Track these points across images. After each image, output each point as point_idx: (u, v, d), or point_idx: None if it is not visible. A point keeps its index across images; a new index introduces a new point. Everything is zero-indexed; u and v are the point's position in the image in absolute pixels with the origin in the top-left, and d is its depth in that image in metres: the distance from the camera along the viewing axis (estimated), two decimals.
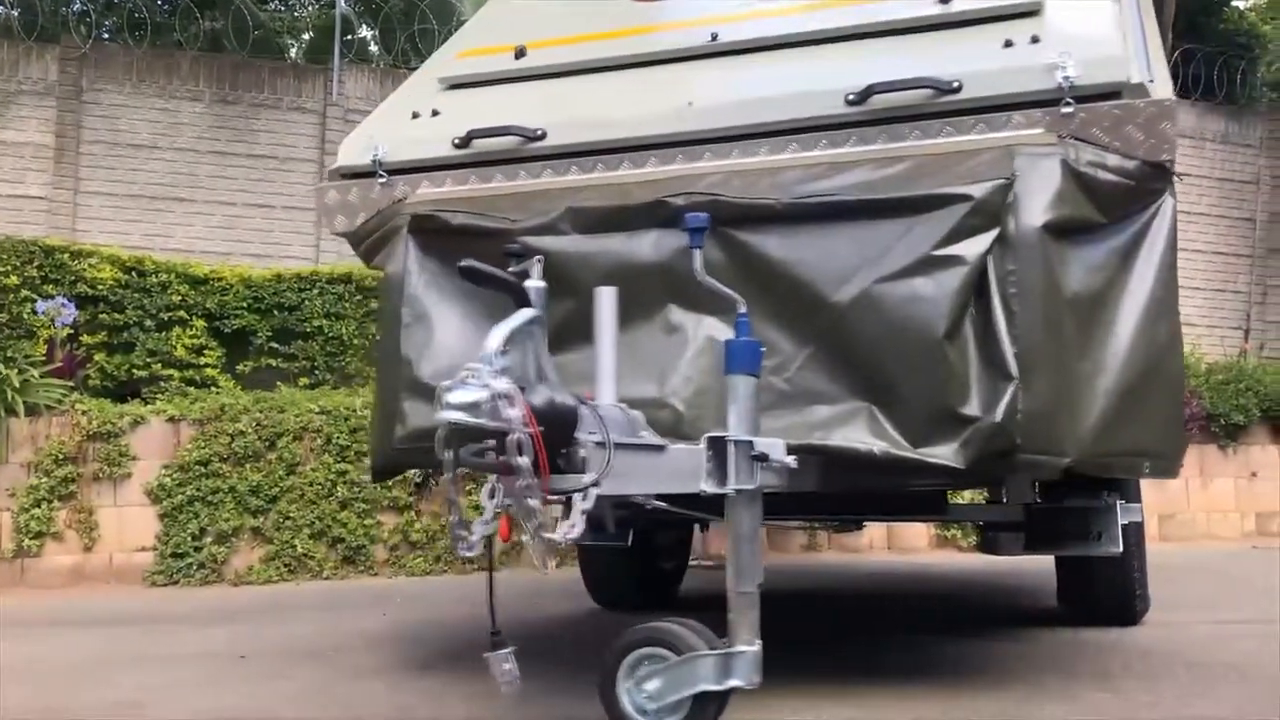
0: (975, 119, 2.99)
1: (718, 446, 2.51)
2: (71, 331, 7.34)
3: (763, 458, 2.48)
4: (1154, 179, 3.03)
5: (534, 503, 2.46)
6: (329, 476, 6.74)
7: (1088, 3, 3.19)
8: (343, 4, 11.30)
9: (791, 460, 2.51)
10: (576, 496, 2.52)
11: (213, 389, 7.56)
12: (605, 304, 2.75)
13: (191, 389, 7.51)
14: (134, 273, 7.75)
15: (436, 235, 3.23)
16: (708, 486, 2.50)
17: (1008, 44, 3.05)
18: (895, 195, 2.84)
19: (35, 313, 7.17)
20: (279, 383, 7.81)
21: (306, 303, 8.13)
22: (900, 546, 7.67)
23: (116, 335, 7.63)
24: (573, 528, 2.51)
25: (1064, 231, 2.88)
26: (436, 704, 3.18)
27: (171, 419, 6.70)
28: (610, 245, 3.05)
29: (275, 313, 8.06)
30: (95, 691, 3.46)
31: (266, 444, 6.73)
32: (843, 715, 2.93)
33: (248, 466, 6.67)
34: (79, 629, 4.91)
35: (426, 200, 3.37)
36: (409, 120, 3.56)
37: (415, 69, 11.10)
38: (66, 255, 7.60)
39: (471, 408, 2.36)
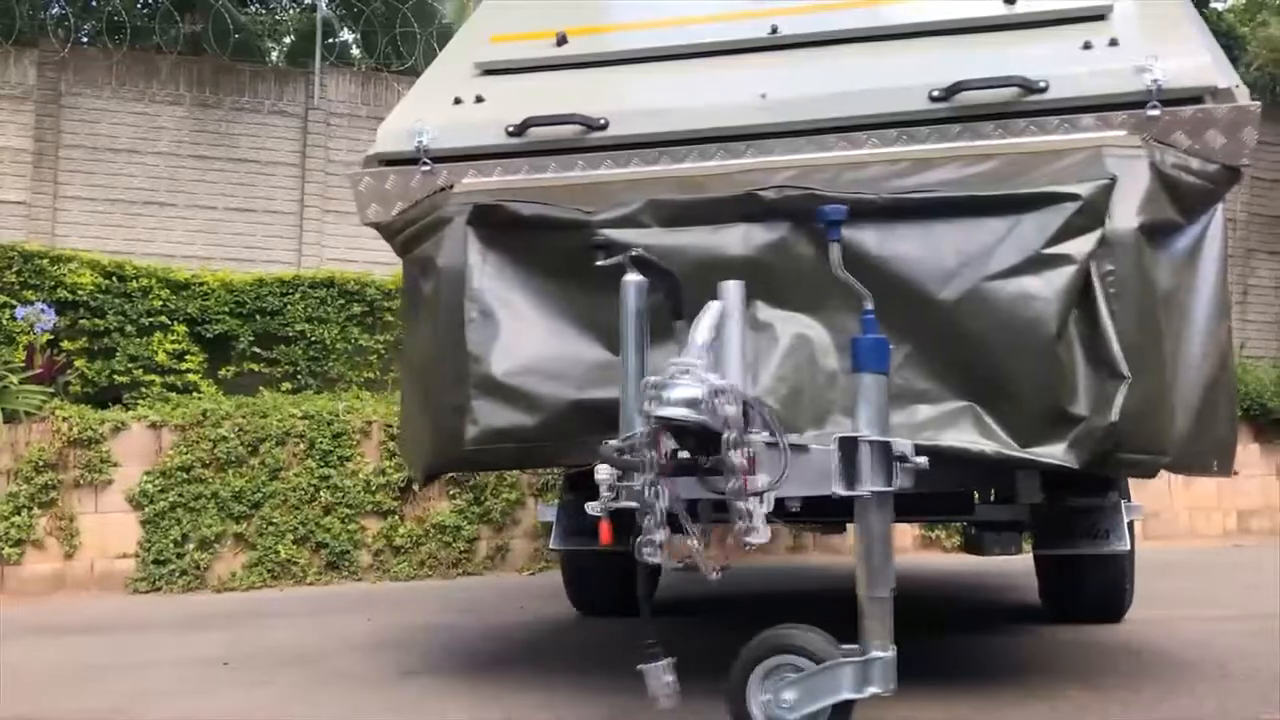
0: (1059, 119, 3.00)
1: (849, 447, 2.43)
2: (51, 337, 7.29)
3: (903, 458, 2.40)
4: (1227, 182, 3.05)
5: (746, 505, 2.37)
6: (312, 482, 6.72)
7: (1156, 8, 3.23)
8: (324, 7, 11.27)
9: (924, 461, 2.44)
10: (754, 500, 2.43)
11: (194, 394, 7.52)
12: (733, 298, 2.64)
13: (173, 394, 7.47)
14: (114, 278, 7.71)
15: (501, 226, 3.08)
16: (839, 488, 2.43)
17: (1087, 46, 3.07)
18: (1001, 193, 2.81)
19: (14, 318, 7.12)
20: (261, 388, 7.78)
21: (288, 307, 8.09)
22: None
23: (97, 341, 7.59)
24: (755, 532, 2.42)
25: (1152, 232, 2.88)
26: (421, 709, 3.16)
27: (153, 425, 6.66)
28: (695, 239, 2.94)
29: (257, 317, 8.03)
30: (76, 699, 3.43)
31: (249, 449, 6.69)
32: None
33: (230, 472, 6.64)
34: (60, 636, 4.88)
35: (482, 190, 3.22)
36: (451, 106, 3.42)
37: (397, 72, 11.00)
38: (46, 261, 7.55)
39: (692, 404, 2.28)
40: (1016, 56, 3.10)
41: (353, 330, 8.25)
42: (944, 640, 4.22)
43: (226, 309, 7.95)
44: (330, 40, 11.25)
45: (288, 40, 12.47)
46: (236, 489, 6.60)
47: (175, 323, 7.79)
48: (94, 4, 12.08)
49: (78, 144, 9.87)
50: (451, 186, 3.29)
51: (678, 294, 2.65)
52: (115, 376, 7.54)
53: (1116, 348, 2.69)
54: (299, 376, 8.08)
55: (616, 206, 2.99)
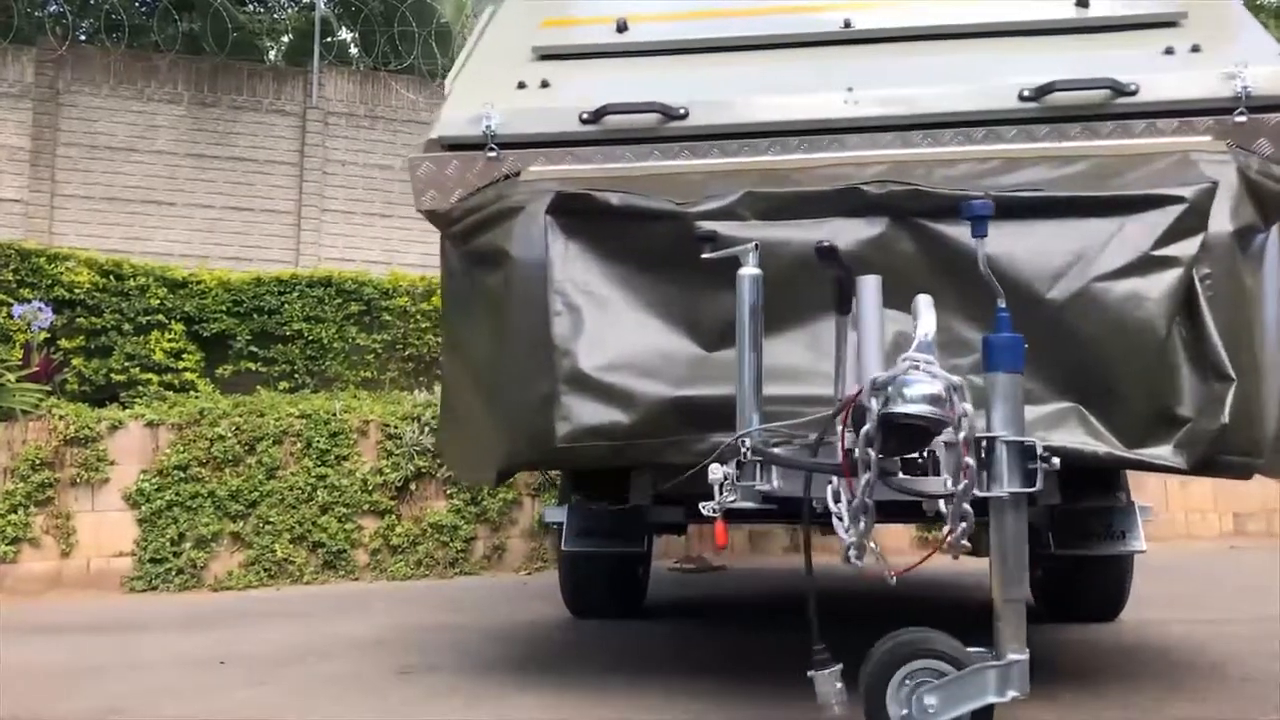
0: (1144, 123, 3.02)
1: (985, 447, 2.37)
2: (48, 335, 7.29)
3: (1047, 458, 2.35)
4: None
5: (962, 507, 2.31)
6: (309, 481, 6.71)
7: (1226, 15, 3.27)
8: (322, 6, 11.26)
9: (1056, 462, 2.40)
10: (943, 501, 2.38)
11: (191, 393, 7.52)
12: (870, 293, 2.58)
13: (170, 393, 7.48)
14: (112, 276, 7.71)
15: (584, 216, 2.97)
16: (977, 489, 2.38)
17: (1169, 51, 3.09)
18: (1109, 194, 2.81)
19: (11, 317, 7.11)
20: (258, 386, 7.78)
21: (286, 306, 8.09)
22: (881, 548, 7.67)
23: (94, 339, 7.58)
24: (952, 533, 2.37)
25: (1241, 236, 2.89)
26: (417, 709, 3.16)
27: (150, 423, 6.66)
28: (794, 233, 2.86)
29: (254, 316, 8.03)
30: (72, 699, 3.43)
31: (246, 448, 6.69)
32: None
33: (227, 471, 6.63)
34: (56, 635, 4.87)
35: (552, 178, 3.12)
36: (515, 90, 3.31)
37: (395, 71, 10.98)
38: (43, 259, 7.54)
39: (935, 401, 2.20)
40: (1100, 59, 3.11)
41: (350, 329, 8.25)
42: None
43: (224, 308, 7.95)
44: (328, 39, 11.25)
45: (286, 39, 12.46)
46: (233, 488, 6.59)
47: (172, 321, 7.79)
48: (92, 2, 12.07)
49: (75, 142, 9.87)
50: (518, 174, 3.18)
51: (849, 288, 2.55)
52: (112, 375, 7.54)
53: (1221, 350, 2.69)
54: (296, 375, 8.08)
55: (713, 198, 2.91)
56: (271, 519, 6.62)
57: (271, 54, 12.12)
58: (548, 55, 3.46)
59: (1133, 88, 3.00)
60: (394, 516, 6.84)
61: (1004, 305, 2.44)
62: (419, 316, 8.40)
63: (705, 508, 2.53)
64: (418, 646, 4.24)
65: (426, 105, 10.91)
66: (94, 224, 9.77)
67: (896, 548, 7.68)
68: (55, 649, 4.50)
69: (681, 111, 3.16)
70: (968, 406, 2.23)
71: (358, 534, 6.76)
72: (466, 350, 3.34)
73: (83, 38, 11.68)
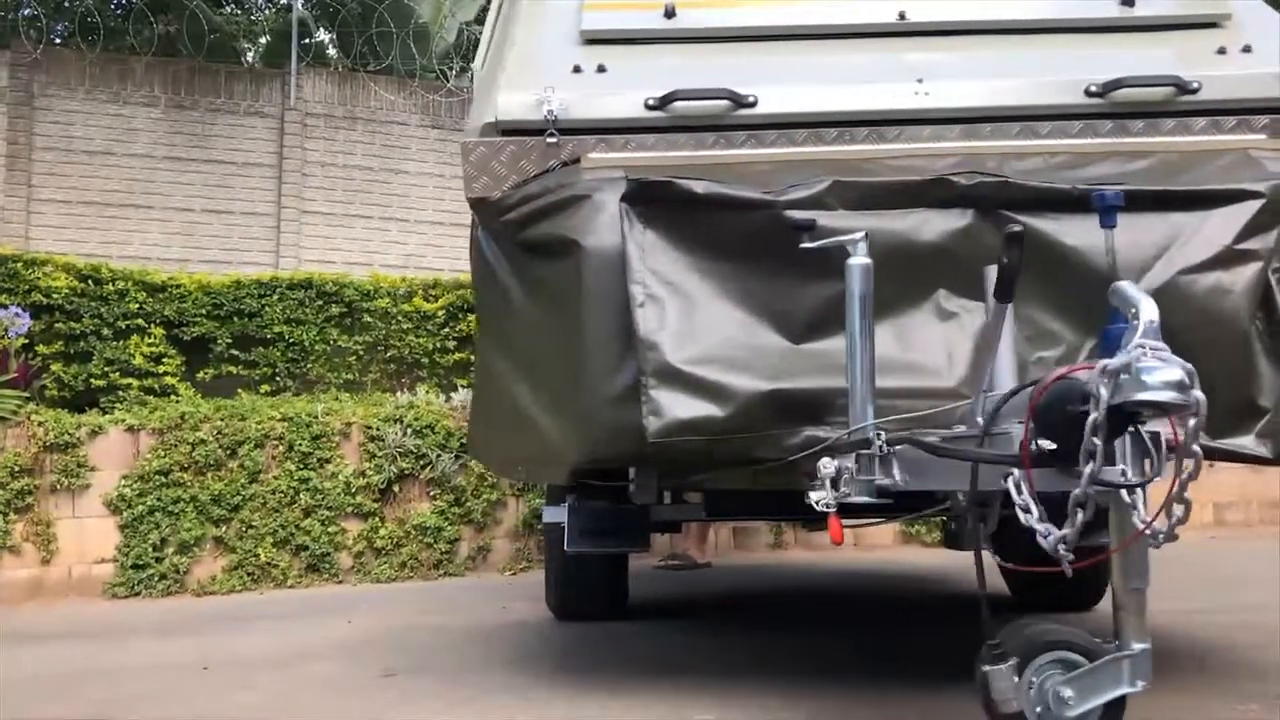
0: (1205, 120, 3.08)
1: None
2: (26, 341, 7.24)
3: (1172, 448, 2.27)
4: None
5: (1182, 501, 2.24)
6: (292, 484, 6.69)
7: (1268, 18, 3.31)
8: (299, 7, 11.22)
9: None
10: (1138, 495, 2.31)
11: (172, 397, 7.49)
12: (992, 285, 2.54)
13: (151, 398, 7.44)
14: (90, 281, 7.66)
15: (664, 205, 2.88)
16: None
17: (1221, 51, 3.16)
18: (1190, 188, 2.85)
19: None
20: (240, 390, 7.75)
21: (266, 309, 8.06)
22: (865, 544, 7.71)
23: (73, 344, 7.54)
24: (1178, 522, 2.27)
25: None
26: (402, 712, 3.15)
27: (130, 428, 6.62)
28: (881, 223, 2.81)
29: (235, 319, 7.99)
30: (53, 706, 3.41)
31: (228, 452, 6.66)
32: (824, 715, 2.94)
33: (209, 475, 6.61)
34: (37, 643, 4.84)
35: (617, 164, 3.03)
36: (571, 75, 3.22)
37: (373, 72, 10.94)
38: (20, 264, 7.49)
39: (1181, 387, 2.12)
40: (1155, 57, 3.17)
41: (331, 331, 8.23)
42: (923, 636, 4.24)
43: (204, 311, 7.91)
44: (306, 41, 11.21)
45: (263, 41, 12.40)
46: (215, 492, 6.57)
47: (152, 325, 7.75)
48: (67, 5, 11.99)
49: (51, 146, 9.81)
50: (577, 160, 3.09)
51: (1015, 276, 2.48)
52: (92, 380, 7.50)
53: None
54: (277, 378, 8.05)
55: (799, 187, 2.85)
56: (254, 523, 6.60)
57: (249, 56, 12.07)
58: (594, 39, 3.36)
59: (1195, 85, 3.07)
60: (377, 519, 6.83)
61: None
62: (400, 318, 8.39)
63: (818, 503, 2.47)
64: (402, 649, 4.23)
65: (405, 106, 10.88)
66: (71, 228, 9.71)
67: (880, 542, 7.72)
68: (37, 656, 4.47)
69: (751, 99, 3.12)
70: (1199, 393, 2.17)
71: (341, 537, 6.75)
72: (516, 343, 3.22)
73: (58, 41, 11.60)
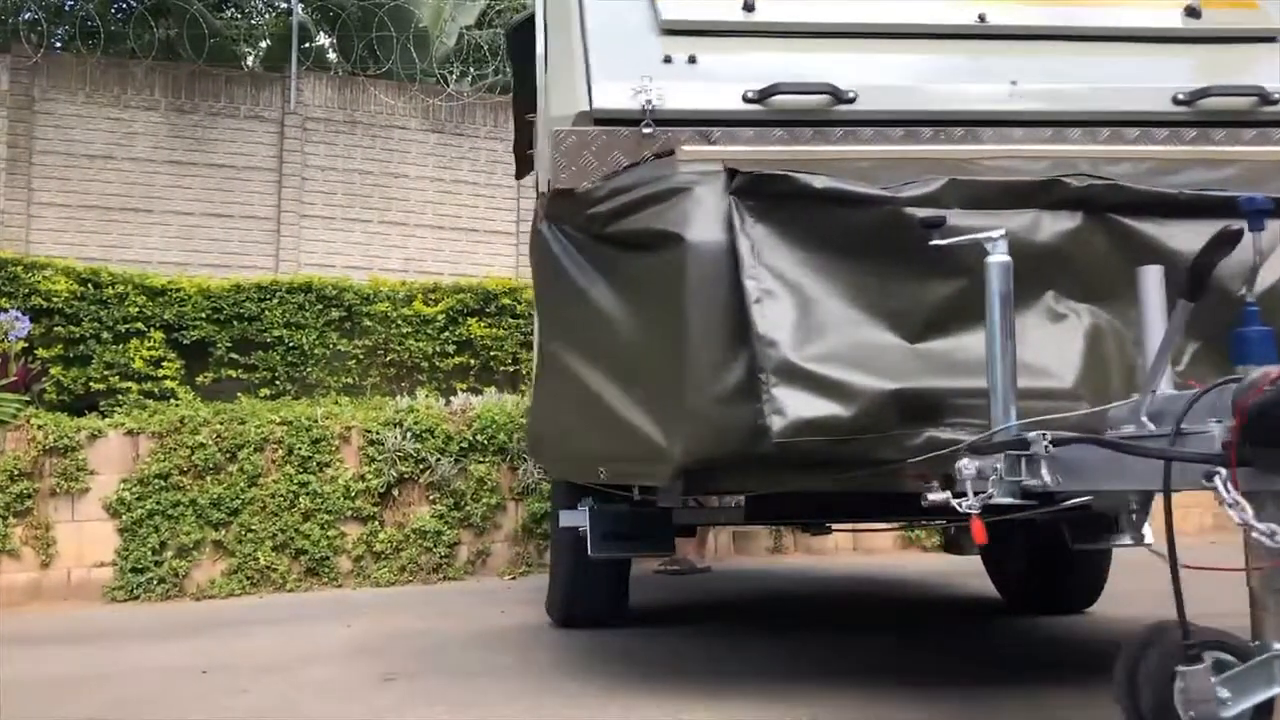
0: (1278, 130, 3.16)
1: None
2: (26, 345, 7.24)
3: None
4: None
5: None
6: (291, 488, 6.69)
7: None
8: (300, 11, 11.23)
9: None
10: None
11: (172, 401, 7.48)
12: (1152, 285, 2.49)
13: (150, 401, 7.43)
14: (90, 284, 7.66)
15: (776, 199, 2.83)
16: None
17: None
18: None
19: None
20: (239, 394, 7.75)
21: (266, 313, 8.06)
22: (865, 548, 7.71)
23: (73, 348, 7.54)
24: None
25: None
26: (401, 716, 3.15)
27: (130, 432, 6.62)
28: (994, 223, 2.73)
29: (234, 323, 7.99)
30: (55, 710, 3.40)
31: (227, 456, 6.66)
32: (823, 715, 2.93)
33: (208, 479, 6.60)
34: (36, 647, 4.84)
35: (714, 157, 2.98)
36: (663, 65, 3.15)
37: (373, 76, 10.93)
38: (20, 268, 7.49)
39: None
40: (1228, 67, 3.25)
41: (331, 335, 8.22)
42: (923, 641, 4.24)
43: (204, 315, 7.91)
44: (306, 45, 11.21)
45: (264, 45, 12.41)
46: (215, 496, 6.56)
47: (152, 329, 7.75)
48: (67, 9, 12.00)
49: (52, 150, 9.81)
50: (670, 153, 3.02)
51: (1209, 275, 2.42)
52: (91, 384, 7.50)
53: None
54: (277, 382, 8.05)
55: (914, 184, 2.82)
56: (254, 527, 6.59)
57: (249, 60, 12.08)
58: (673, 30, 3.28)
59: (1277, 96, 3.15)
60: (377, 523, 6.82)
61: (1254, 300, 2.38)
62: (400, 322, 8.39)
63: (962, 505, 2.42)
64: (402, 653, 4.23)
65: (405, 110, 10.89)
66: (71, 232, 9.71)
67: (879, 547, 7.72)
68: (36, 660, 4.46)
69: (851, 95, 3.11)
70: None
71: (340, 541, 6.74)
72: (600, 339, 3.10)
73: (58, 45, 11.61)
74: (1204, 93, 3.15)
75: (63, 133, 9.86)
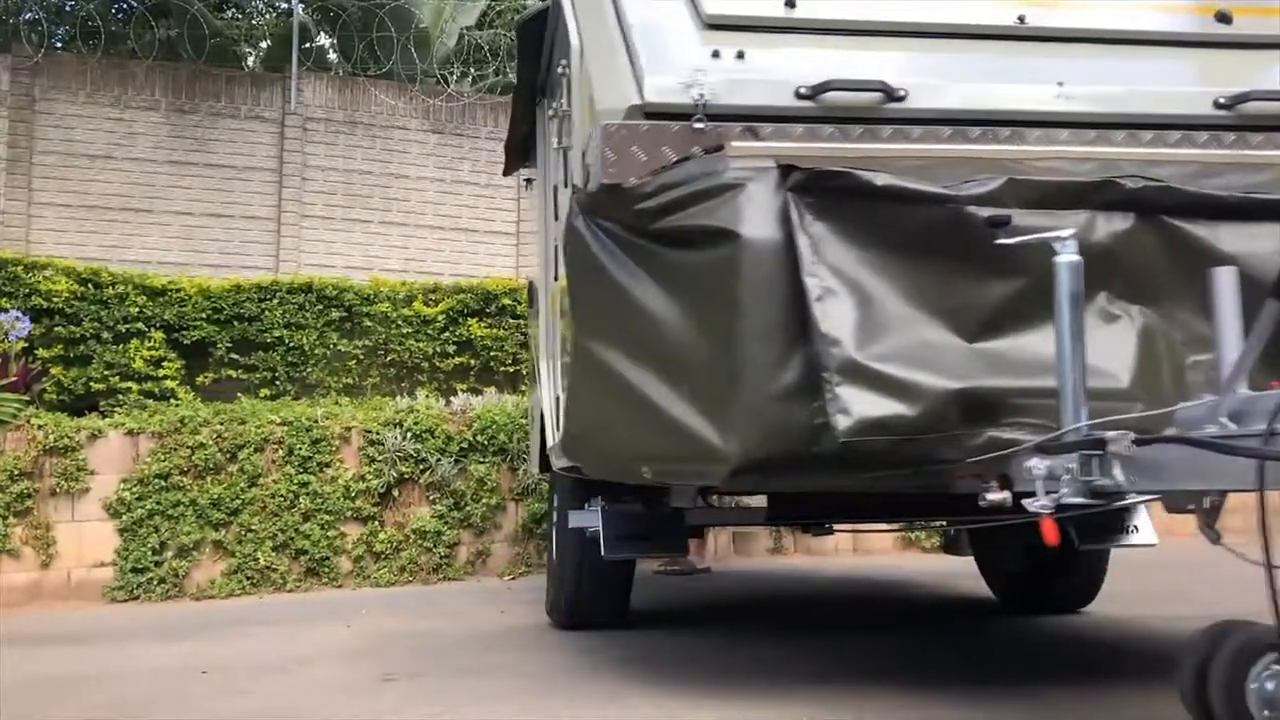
0: None
1: None
2: (26, 345, 7.24)
3: None
4: None
5: None
6: (291, 488, 6.69)
7: None
8: (300, 12, 11.23)
9: None
10: None
11: (172, 401, 7.48)
12: (1226, 286, 2.47)
13: (150, 401, 7.43)
14: (90, 285, 7.66)
15: (834, 196, 2.80)
16: None
17: None
18: None
19: None
20: (239, 394, 7.75)
21: (266, 313, 8.07)
22: (865, 549, 7.71)
23: (73, 348, 7.54)
24: None
25: None
26: (401, 716, 3.15)
27: (130, 432, 6.62)
28: (1051, 223, 2.75)
29: (235, 323, 8.00)
30: (54, 710, 3.41)
31: (227, 456, 6.66)
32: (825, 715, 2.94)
33: (208, 479, 6.61)
34: (36, 647, 4.84)
35: (765, 153, 2.94)
36: (712, 60, 3.11)
37: (374, 76, 10.92)
38: (20, 268, 7.50)
39: None
40: (1264, 74, 3.25)
41: (331, 336, 8.23)
42: (922, 641, 4.24)
43: (204, 315, 7.92)
44: (307, 45, 11.20)
45: (264, 45, 12.39)
46: (215, 496, 6.56)
47: (152, 329, 7.75)
48: (68, 9, 12.00)
49: (52, 150, 9.81)
50: (720, 148, 2.97)
51: None
52: (92, 384, 7.50)
53: None
54: (277, 383, 8.05)
55: (974, 183, 2.81)
56: (254, 527, 6.60)
57: (250, 60, 12.07)
58: (716, 25, 3.24)
59: None
60: (377, 523, 6.82)
61: None
62: (400, 322, 8.39)
63: (1032, 505, 2.42)
64: (401, 653, 4.23)
65: (405, 110, 10.88)
66: (71, 232, 9.71)
67: (879, 548, 7.71)
68: (35, 660, 4.47)
69: (901, 93, 3.09)
70: None
71: (340, 541, 6.74)
72: (644, 337, 3.03)
73: (59, 45, 11.60)
74: (1244, 97, 3.16)
75: (63, 133, 9.85)
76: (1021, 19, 3.35)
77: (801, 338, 2.73)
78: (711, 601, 5.79)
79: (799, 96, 3.07)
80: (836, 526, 6.39)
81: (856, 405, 2.63)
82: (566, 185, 3.86)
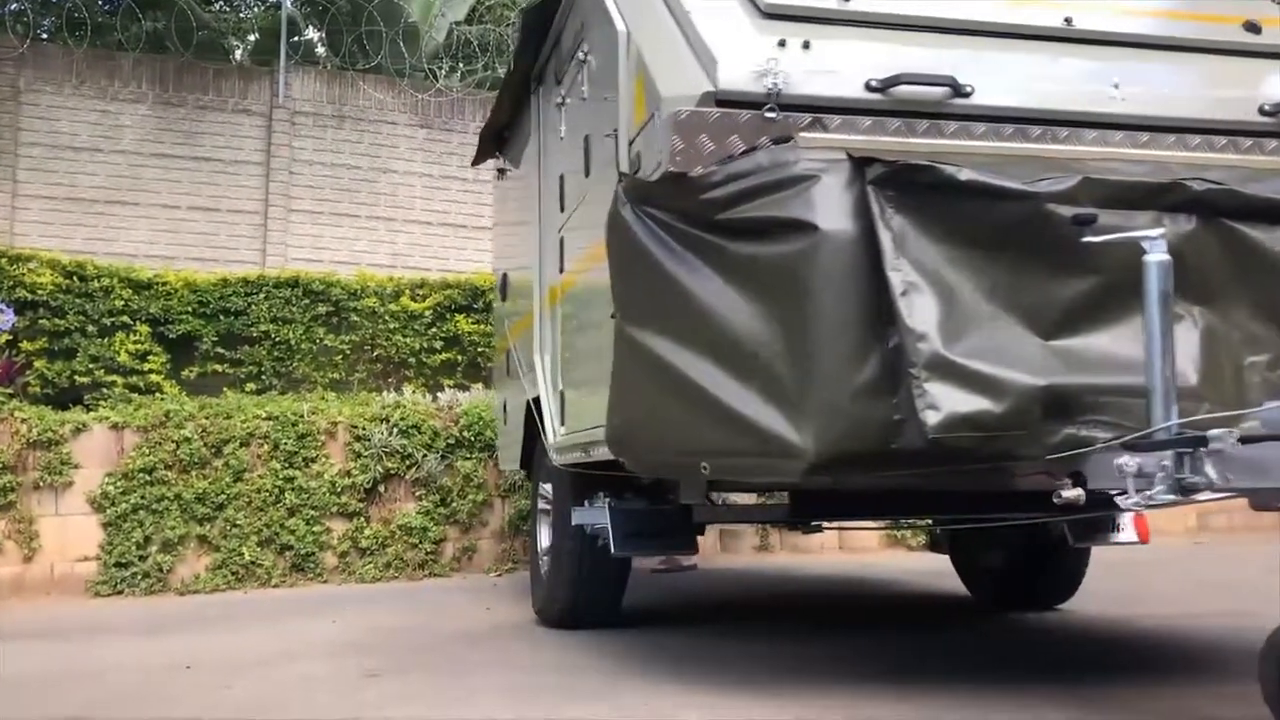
0: None
1: None
2: (10, 338, 7.20)
3: None
4: None
5: None
6: (276, 483, 6.67)
7: None
8: (288, 5, 11.18)
9: None
10: None
11: (157, 395, 7.45)
12: None
13: (135, 395, 7.40)
14: (75, 277, 7.62)
15: (914, 190, 2.78)
16: None
17: None
18: None
19: None
20: (225, 388, 7.72)
21: (253, 307, 8.04)
22: (851, 547, 7.72)
23: (57, 341, 7.50)
24: None
25: None
26: (385, 712, 3.14)
27: (115, 426, 6.59)
28: (1121, 222, 2.79)
29: (221, 317, 7.97)
30: (34, 706, 3.39)
31: (212, 450, 6.63)
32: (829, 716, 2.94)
33: (193, 474, 6.57)
34: (20, 642, 4.81)
35: (837, 145, 2.92)
36: (778, 49, 3.05)
37: (362, 70, 10.88)
38: (4, 260, 7.46)
39: None
40: None
41: (318, 330, 8.20)
42: (909, 638, 4.25)
43: (190, 309, 7.88)
44: (295, 38, 11.16)
45: (252, 38, 12.34)
46: (200, 491, 6.54)
47: (137, 323, 7.71)
48: (54, 0, 11.92)
49: (37, 142, 9.74)
50: (788, 139, 2.93)
51: None
52: (76, 377, 7.46)
53: None
54: (263, 377, 8.02)
55: (1050, 180, 2.82)
56: (239, 522, 6.57)
57: (237, 53, 12.01)
58: (775, 14, 3.20)
59: None
60: (362, 519, 6.81)
61: None
62: (387, 317, 8.36)
63: (1125, 502, 2.43)
64: (386, 649, 4.22)
65: (394, 105, 10.85)
66: (57, 225, 9.65)
67: (865, 546, 7.73)
68: (19, 656, 4.44)
69: (968, 89, 3.08)
70: None
71: (326, 536, 6.72)
72: (703, 329, 2.96)
73: (44, 36, 11.53)
74: None
75: (49, 124, 9.79)
76: (1069, 21, 3.36)
77: (877, 333, 2.72)
78: (700, 599, 5.79)
79: (869, 89, 3.05)
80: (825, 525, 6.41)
81: (945, 401, 2.61)
82: (588, 174, 3.84)
